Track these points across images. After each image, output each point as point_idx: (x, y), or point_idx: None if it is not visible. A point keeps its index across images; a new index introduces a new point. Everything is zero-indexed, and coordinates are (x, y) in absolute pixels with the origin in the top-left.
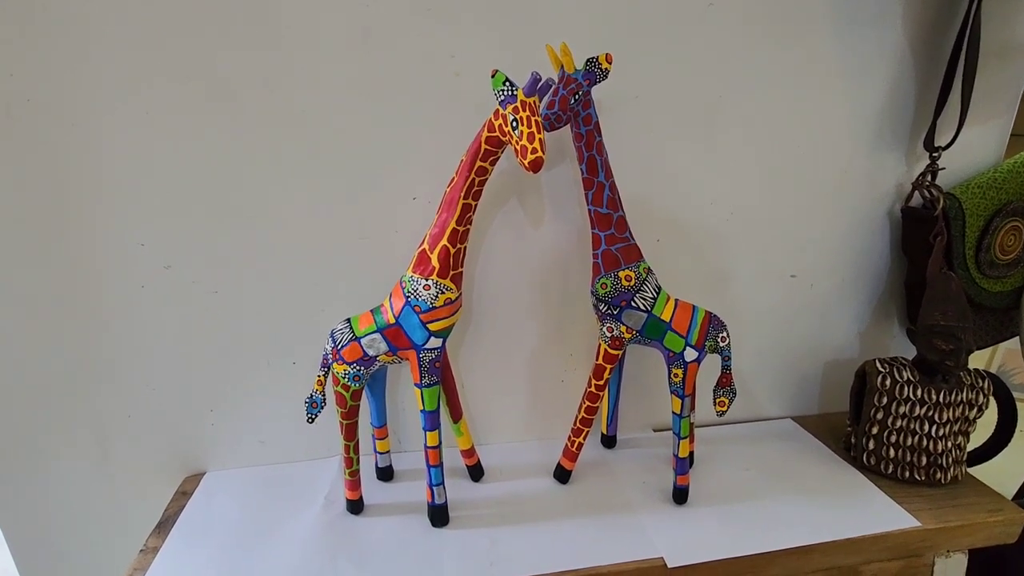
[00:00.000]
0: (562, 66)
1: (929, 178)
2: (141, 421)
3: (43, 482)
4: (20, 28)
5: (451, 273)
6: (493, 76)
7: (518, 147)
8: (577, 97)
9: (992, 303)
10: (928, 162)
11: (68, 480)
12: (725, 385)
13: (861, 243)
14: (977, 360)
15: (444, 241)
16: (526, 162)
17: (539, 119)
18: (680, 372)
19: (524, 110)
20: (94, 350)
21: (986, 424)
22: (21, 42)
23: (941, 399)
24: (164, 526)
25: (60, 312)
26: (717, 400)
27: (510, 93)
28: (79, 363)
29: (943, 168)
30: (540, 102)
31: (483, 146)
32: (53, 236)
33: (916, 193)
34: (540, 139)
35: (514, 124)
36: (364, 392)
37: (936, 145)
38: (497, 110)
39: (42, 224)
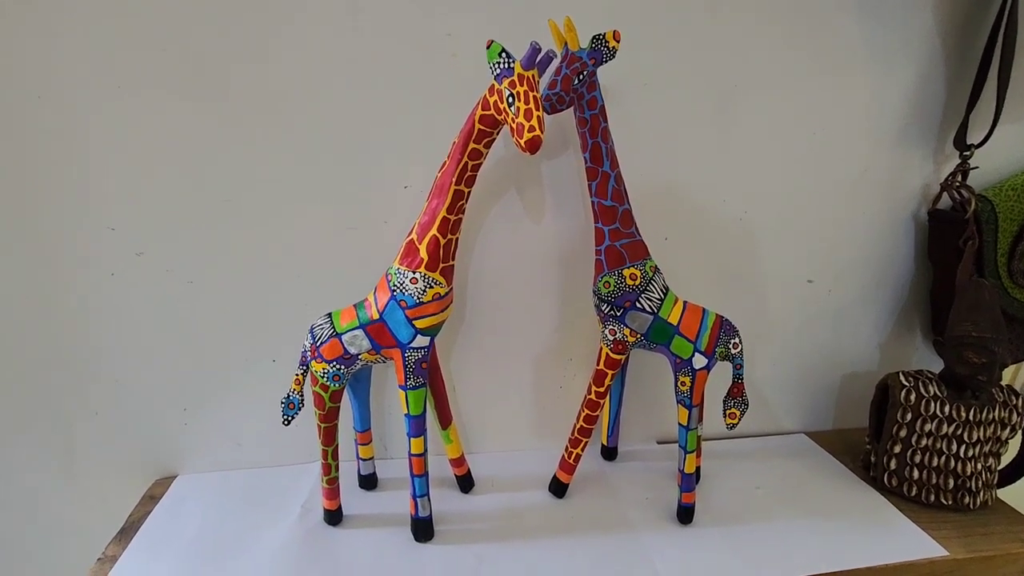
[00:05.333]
0: (565, 43)
1: (959, 178)
2: (108, 419)
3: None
4: None
5: (441, 266)
6: (488, 47)
7: (514, 125)
8: (581, 77)
9: None
10: (959, 161)
11: (28, 479)
12: (737, 396)
13: (883, 247)
14: None
15: (434, 231)
16: (523, 141)
17: (538, 94)
18: (688, 380)
19: (521, 84)
20: (59, 342)
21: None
22: None
23: (971, 417)
24: (127, 533)
25: (22, 301)
26: (728, 412)
27: (506, 66)
28: (43, 356)
29: (975, 168)
30: (540, 77)
31: (476, 126)
32: (14, 218)
33: (945, 194)
34: (538, 116)
35: (510, 100)
36: (346, 394)
37: (968, 143)
38: (492, 85)
39: (1, 204)
